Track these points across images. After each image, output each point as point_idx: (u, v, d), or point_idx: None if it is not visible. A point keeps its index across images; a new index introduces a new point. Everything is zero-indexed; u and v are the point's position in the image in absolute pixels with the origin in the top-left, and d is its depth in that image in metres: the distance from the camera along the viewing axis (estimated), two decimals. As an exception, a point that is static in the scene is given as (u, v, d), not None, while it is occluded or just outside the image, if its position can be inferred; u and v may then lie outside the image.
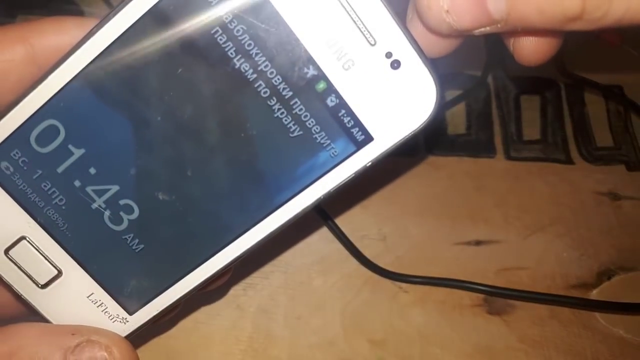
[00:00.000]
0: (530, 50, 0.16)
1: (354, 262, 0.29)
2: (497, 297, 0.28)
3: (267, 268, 0.28)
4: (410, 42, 0.15)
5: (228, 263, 0.18)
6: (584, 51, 0.34)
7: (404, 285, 0.28)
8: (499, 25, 0.15)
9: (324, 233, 0.29)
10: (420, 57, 0.15)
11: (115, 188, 0.17)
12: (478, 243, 0.29)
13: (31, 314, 0.18)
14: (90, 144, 0.16)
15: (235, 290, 0.28)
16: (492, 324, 0.27)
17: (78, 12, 0.38)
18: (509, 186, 0.31)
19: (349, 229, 0.29)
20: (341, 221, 0.30)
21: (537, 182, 0.31)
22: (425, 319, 0.27)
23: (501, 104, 0.34)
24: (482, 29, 0.15)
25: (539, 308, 0.28)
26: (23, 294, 0.18)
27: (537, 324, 0.27)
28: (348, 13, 0.15)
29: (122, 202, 0.17)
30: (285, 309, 0.27)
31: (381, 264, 0.29)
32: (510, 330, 0.27)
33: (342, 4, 0.15)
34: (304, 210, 0.17)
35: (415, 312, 0.27)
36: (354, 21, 0.15)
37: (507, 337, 0.27)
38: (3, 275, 0.18)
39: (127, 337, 0.19)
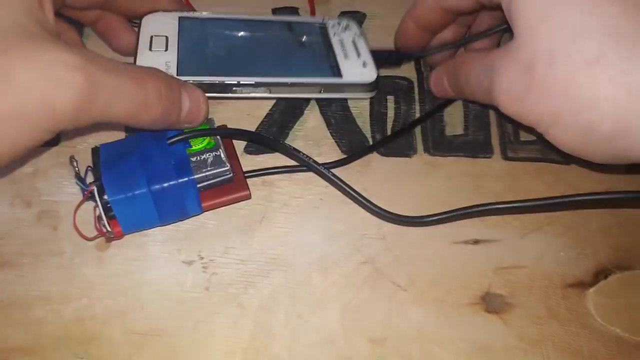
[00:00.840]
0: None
1: (353, 261, 0.29)
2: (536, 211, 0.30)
3: (267, 267, 0.29)
4: (373, 61, 0.33)
5: (234, 84, 0.30)
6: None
7: (402, 284, 0.28)
8: (455, 96, 0.32)
9: (324, 232, 0.30)
10: (377, 68, 0.32)
11: (222, 44, 0.32)
12: (476, 242, 0.30)
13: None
14: (229, 31, 0.33)
15: (237, 289, 0.28)
16: (491, 323, 0.27)
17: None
18: (507, 186, 0.31)
19: (349, 228, 0.30)
20: (341, 220, 0.30)
21: (534, 182, 0.32)
22: (424, 317, 0.27)
23: (499, 105, 0.34)
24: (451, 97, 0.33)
25: (537, 307, 0.28)
26: (138, 51, 0.31)
27: (535, 323, 0.27)
28: (355, 47, 0.34)
29: (221, 48, 0.32)
30: (286, 307, 0.28)
31: (380, 263, 0.29)
32: (509, 329, 0.27)
33: (355, 45, 0.34)
34: (291, 83, 0.31)
35: (414, 311, 0.27)
36: (357, 52, 0.33)
37: (505, 336, 0.27)
38: (139, 43, 0.31)
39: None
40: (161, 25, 0.32)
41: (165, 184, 0.27)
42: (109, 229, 0.27)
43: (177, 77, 0.29)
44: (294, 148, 0.30)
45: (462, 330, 0.27)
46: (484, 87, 0.27)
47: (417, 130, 0.33)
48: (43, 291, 0.28)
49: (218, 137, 0.29)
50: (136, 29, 0.32)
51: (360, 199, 0.29)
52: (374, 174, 0.32)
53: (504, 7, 0.25)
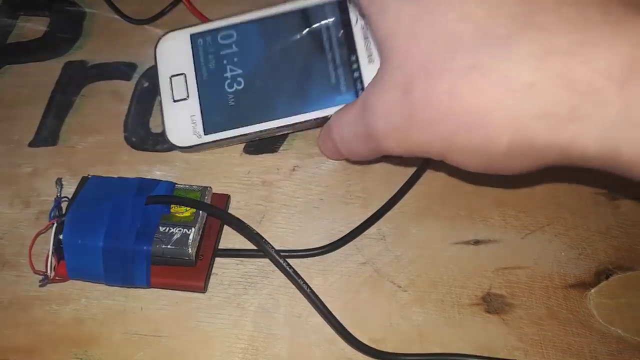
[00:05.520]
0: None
1: (353, 261, 0.29)
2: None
3: (267, 267, 0.29)
4: None
5: (259, 131, 0.30)
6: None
7: (402, 284, 0.28)
8: (348, 158, 0.29)
9: (324, 232, 0.30)
10: None
11: (240, 71, 0.31)
12: (477, 242, 0.30)
13: None
14: (242, 46, 0.31)
15: (236, 290, 0.28)
16: (491, 323, 0.27)
17: (80, 14, 0.39)
18: (508, 186, 0.31)
19: (349, 227, 0.30)
20: (341, 220, 0.30)
21: (535, 182, 0.32)
22: (424, 317, 0.27)
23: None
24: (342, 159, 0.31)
25: (538, 307, 0.28)
26: (163, 101, 0.31)
27: (536, 323, 0.27)
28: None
29: (239, 78, 0.31)
30: (286, 308, 0.28)
31: (380, 263, 0.29)
32: (509, 329, 0.27)
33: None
34: (310, 120, 0.30)
35: (414, 311, 0.27)
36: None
37: (506, 336, 0.27)
38: (161, 86, 0.31)
39: (195, 147, 0.31)
40: (176, 57, 0.31)
41: (119, 246, 0.25)
42: (50, 270, 0.26)
43: (205, 135, 0.30)
44: (274, 248, 0.27)
45: (462, 331, 0.27)
46: (361, 136, 0.25)
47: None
48: (43, 291, 0.28)
49: (201, 212, 0.27)
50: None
51: (331, 319, 0.26)
52: (373, 174, 0.32)
53: (367, 21, 0.23)
